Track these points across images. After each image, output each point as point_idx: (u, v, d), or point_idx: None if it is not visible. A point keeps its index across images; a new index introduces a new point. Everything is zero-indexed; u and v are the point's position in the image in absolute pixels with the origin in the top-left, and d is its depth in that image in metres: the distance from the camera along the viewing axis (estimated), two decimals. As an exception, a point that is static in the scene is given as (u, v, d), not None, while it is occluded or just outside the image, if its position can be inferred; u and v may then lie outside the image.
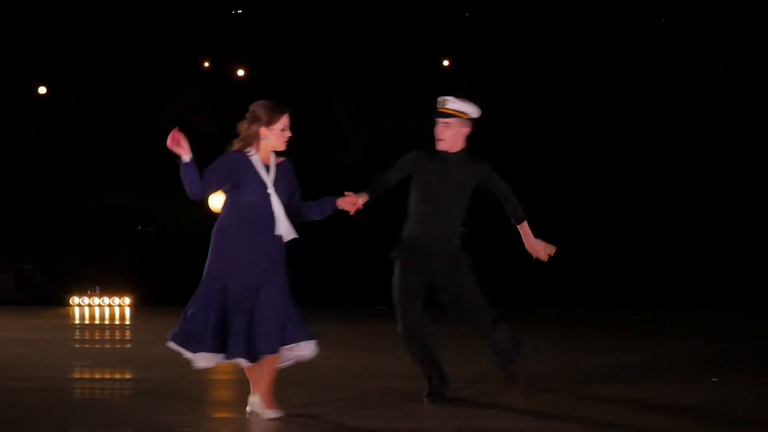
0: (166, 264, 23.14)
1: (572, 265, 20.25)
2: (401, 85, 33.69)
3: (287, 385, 8.26)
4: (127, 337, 14.25)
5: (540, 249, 8.51)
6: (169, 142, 7.61)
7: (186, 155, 7.65)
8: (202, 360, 7.69)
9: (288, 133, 7.83)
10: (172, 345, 7.73)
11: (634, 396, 8.79)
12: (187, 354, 7.70)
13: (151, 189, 23.79)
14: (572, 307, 18.91)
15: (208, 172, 7.75)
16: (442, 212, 8.26)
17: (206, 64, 35.20)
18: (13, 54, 43.25)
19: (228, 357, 7.71)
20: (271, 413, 7.77)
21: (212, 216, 8.04)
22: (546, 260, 8.53)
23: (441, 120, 8.26)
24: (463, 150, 8.33)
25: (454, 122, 8.25)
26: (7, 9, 43.85)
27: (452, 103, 8.27)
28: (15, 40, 43.65)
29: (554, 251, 8.48)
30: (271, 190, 7.73)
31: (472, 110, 8.31)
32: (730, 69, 25.04)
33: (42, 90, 38.45)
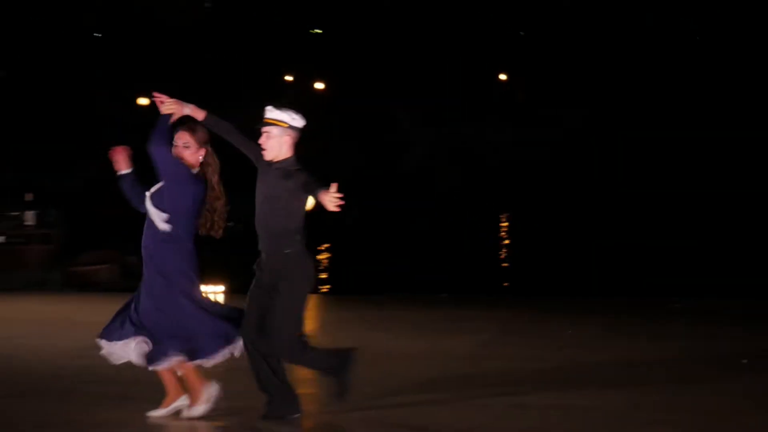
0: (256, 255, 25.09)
1: (608, 257, 21.10)
2: (462, 95, 35.64)
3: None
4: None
5: (331, 197, 7.52)
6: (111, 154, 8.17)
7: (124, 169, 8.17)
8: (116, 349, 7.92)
9: (189, 150, 8.00)
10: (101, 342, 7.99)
11: (671, 378, 9.27)
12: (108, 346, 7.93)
13: (241, 189, 25.98)
14: (610, 295, 19.38)
15: None
16: (266, 220, 7.96)
17: (289, 78, 37.67)
18: (118, 67, 46.17)
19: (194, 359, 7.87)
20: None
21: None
22: (341, 202, 7.50)
23: (262, 129, 8.01)
24: (289, 158, 8.00)
25: (274, 131, 7.96)
26: (114, 27, 46.71)
27: (270, 112, 8.02)
28: (120, 55, 46.61)
29: (336, 187, 7.53)
30: (147, 193, 8.04)
31: (291, 119, 8.00)
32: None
33: (143, 101, 41.05)
